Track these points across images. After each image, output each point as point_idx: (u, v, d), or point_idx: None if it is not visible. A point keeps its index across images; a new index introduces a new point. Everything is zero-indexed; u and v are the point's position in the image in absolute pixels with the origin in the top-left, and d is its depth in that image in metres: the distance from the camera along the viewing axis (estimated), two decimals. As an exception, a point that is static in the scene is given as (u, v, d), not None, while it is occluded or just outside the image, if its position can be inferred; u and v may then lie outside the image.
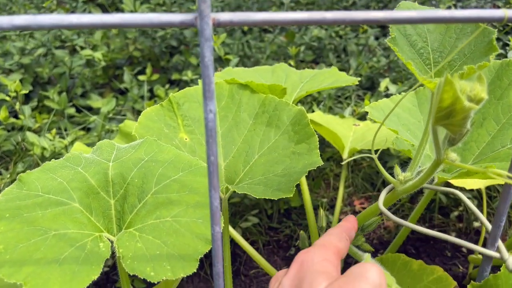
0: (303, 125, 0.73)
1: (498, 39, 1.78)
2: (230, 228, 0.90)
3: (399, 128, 0.73)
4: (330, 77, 1.05)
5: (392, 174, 0.60)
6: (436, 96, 0.40)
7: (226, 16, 0.32)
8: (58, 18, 0.31)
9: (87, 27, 0.31)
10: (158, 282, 0.81)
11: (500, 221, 0.42)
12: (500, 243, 0.45)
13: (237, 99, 0.79)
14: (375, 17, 0.33)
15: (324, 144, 1.43)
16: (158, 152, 0.60)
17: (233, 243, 1.20)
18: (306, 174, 0.67)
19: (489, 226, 0.47)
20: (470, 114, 0.40)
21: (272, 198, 0.62)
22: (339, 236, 0.47)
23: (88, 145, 1.26)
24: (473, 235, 1.23)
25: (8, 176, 1.22)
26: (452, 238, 0.48)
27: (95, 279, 0.45)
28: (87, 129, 1.47)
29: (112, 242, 0.50)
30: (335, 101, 1.68)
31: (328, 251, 0.42)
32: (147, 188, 0.54)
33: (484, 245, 1.20)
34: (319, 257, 0.41)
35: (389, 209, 1.31)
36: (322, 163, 0.68)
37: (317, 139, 0.71)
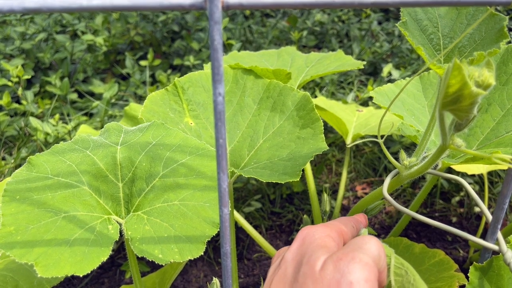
0: (308, 110, 0.73)
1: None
2: (235, 212, 0.91)
3: (404, 114, 0.73)
4: (336, 61, 1.05)
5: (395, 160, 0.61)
6: (444, 81, 0.40)
7: (236, -1, 0.32)
8: (69, 1, 0.31)
9: (98, 9, 0.31)
10: (165, 264, 0.83)
11: (503, 203, 0.42)
12: (499, 235, 0.46)
13: (242, 84, 0.79)
14: (383, 0, 0.33)
15: (326, 130, 1.43)
16: (165, 135, 0.60)
17: (236, 228, 1.21)
18: (312, 159, 0.68)
19: (490, 216, 0.47)
20: (478, 100, 0.40)
21: (279, 182, 0.63)
22: (345, 221, 0.47)
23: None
24: (474, 220, 1.24)
25: (12, 161, 1.23)
26: (453, 230, 0.48)
27: (104, 260, 0.45)
28: (90, 115, 1.47)
29: (120, 224, 0.51)
30: (338, 86, 1.67)
31: (331, 229, 0.43)
32: (155, 172, 0.54)
33: (484, 232, 1.21)
34: (321, 233, 0.42)
35: (391, 194, 1.32)
36: (328, 148, 0.68)
37: (322, 124, 0.71)
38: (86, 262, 0.45)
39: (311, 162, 1.40)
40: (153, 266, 1.11)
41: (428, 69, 0.81)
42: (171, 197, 0.52)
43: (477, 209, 1.27)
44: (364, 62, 0.95)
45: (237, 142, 0.75)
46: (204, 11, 0.32)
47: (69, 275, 0.43)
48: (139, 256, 0.47)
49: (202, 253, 0.47)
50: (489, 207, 1.29)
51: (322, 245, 0.40)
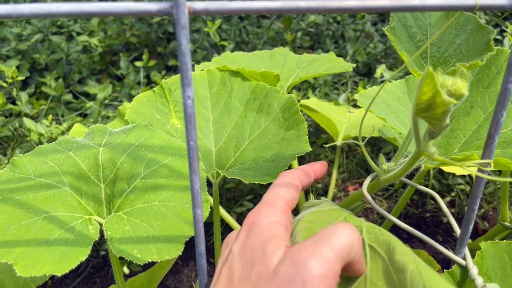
0: (293, 112, 0.74)
1: (496, 25, 1.78)
2: (225, 213, 0.91)
3: (388, 116, 0.73)
4: (327, 63, 1.05)
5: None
6: (418, 88, 0.40)
7: (201, 5, 0.32)
8: (38, 6, 0.32)
9: (66, 15, 0.32)
10: (154, 263, 0.83)
11: (473, 204, 0.43)
12: (466, 251, 0.47)
13: (229, 85, 0.80)
14: (349, 5, 0.33)
15: (319, 131, 1.44)
16: (148, 137, 0.61)
17: (228, 227, 1.22)
18: (297, 160, 0.68)
19: (458, 230, 0.48)
20: (450, 109, 0.41)
21: (261, 183, 0.63)
22: (288, 186, 0.44)
23: (85, 131, 1.27)
24: (465, 220, 1.24)
25: (6, 162, 1.24)
26: (424, 237, 0.49)
27: (83, 260, 0.46)
28: (84, 115, 1.48)
29: (101, 224, 0.52)
30: (332, 87, 1.68)
31: (276, 210, 0.40)
32: (136, 173, 0.55)
33: (474, 231, 1.21)
34: (267, 220, 0.39)
35: (382, 194, 1.32)
36: (311, 149, 0.69)
37: (306, 125, 0.72)
38: (65, 262, 0.46)
39: (304, 162, 1.41)
40: (145, 266, 1.11)
41: (407, 74, 0.81)
42: (151, 198, 0.53)
43: (468, 210, 1.27)
44: (354, 65, 0.96)
45: (223, 143, 0.76)
46: (171, 16, 0.33)
47: (47, 275, 0.44)
48: (118, 256, 0.48)
49: (194, 253, 0.48)
50: (480, 207, 1.29)
51: (271, 236, 0.37)
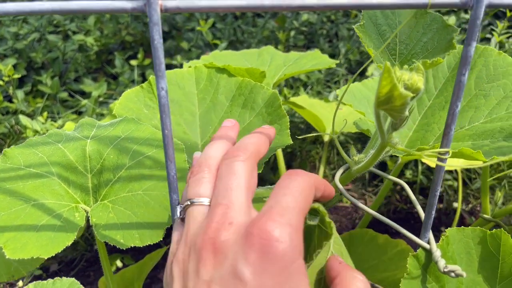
0: (276, 107, 0.76)
1: (489, 24, 1.82)
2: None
3: (367, 111, 0.76)
4: (312, 60, 1.08)
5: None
6: (379, 82, 0.43)
7: (173, 3, 0.35)
8: (23, 5, 0.34)
9: (48, 12, 0.35)
10: (145, 256, 0.86)
11: (435, 190, 0.46)
12: (430, 235, 0.49)
13: (215, 82, 0.83)
14: (310, 3, 0.36)
15: (310, 128, 1.47)
16: (135, 130, 0.64)
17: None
18: (286, 156, 0.71)
19: (423, 214, 0.51)
20: (408, 101, 0.44)
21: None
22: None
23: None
24: (452, 215, 1.28)
25: (3, 157, 1.27)
26: (394, 225, 0.52)
27: (69, 244, 0.49)
28: (79, 113, 1.51)
29: (87, 212, 0.55)
30: (324, 85, 1.71)
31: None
32: (122, 164, 0.58)
33: (459, 224, 1.23)
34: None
35: (372, 190, 1.35)
36: (292, 142, 0.72)
37: (288, 120, 0.74)
38: (52, 246, 0.48)
39: (295, 159, 1.43)
40: (136, 259, 1.14)
41: (376, 71, 0.84)
42: (135, 187, 0.55)
43: (455, 205, 1.30)
44: (337, 61, 0.99)
45: (209, 137, 0.78)
46: (145, 13, 0.36)
47: (35, 257, 0.47)
48: (103, 242, 0.51)
49: (161, 239, 0.51)
50: (468, 202, 1.32)
51: None
